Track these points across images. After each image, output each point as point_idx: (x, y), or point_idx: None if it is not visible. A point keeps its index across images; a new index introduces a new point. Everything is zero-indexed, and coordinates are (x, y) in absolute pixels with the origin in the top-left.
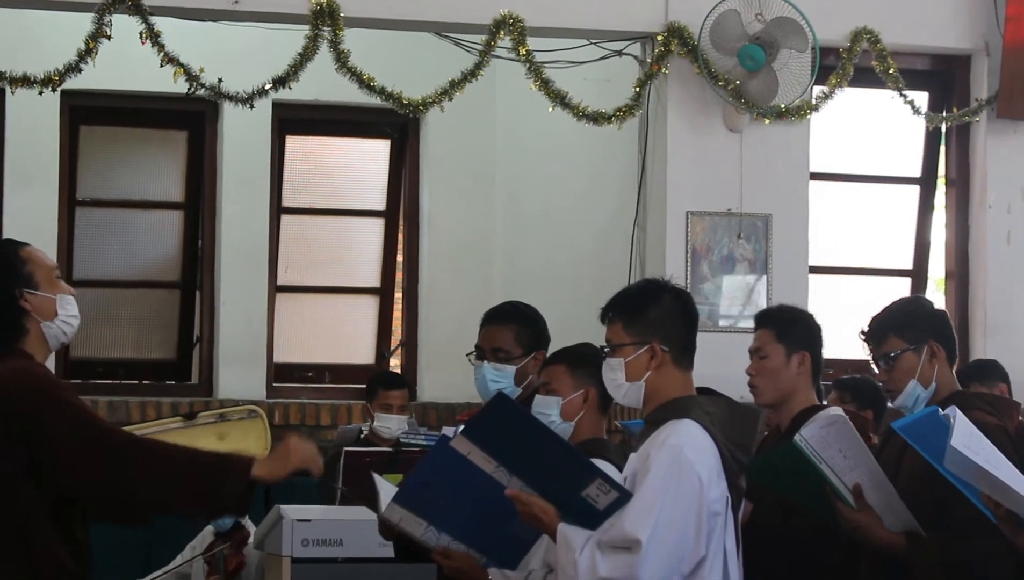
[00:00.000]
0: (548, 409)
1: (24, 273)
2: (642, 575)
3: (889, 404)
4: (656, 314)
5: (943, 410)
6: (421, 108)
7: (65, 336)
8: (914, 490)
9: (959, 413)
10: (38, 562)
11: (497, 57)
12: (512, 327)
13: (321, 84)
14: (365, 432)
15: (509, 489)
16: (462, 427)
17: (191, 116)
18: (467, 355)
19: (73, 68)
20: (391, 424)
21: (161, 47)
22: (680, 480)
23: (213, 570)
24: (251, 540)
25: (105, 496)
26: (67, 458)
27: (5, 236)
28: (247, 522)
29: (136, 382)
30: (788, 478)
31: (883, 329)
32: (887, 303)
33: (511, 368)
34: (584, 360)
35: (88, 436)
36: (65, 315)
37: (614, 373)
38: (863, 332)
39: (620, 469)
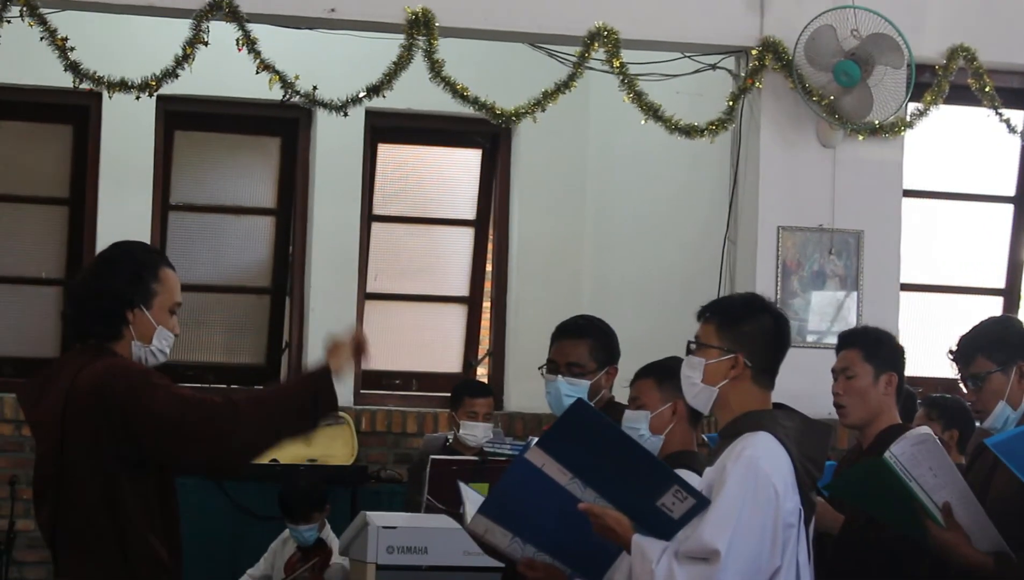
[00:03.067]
0: (637, 423)
1: (148, 289)
2: None
3: (978, 424)
4: (750, 328)
5: None
6: (514, 118)
7: (146, 362)
8: (1002, 510)
9: None
10: (136, 562)
11: (591, 69)
12: (587, 341)
13: (414, 93)
14: (451, 441)
15: (582, 503)
16: (537, 439)
17: (285, 123)
18: (539, 369)
19: (170, 73)
20: (476, 432)
21: (257, 54)
22: (757, 491)
23: None
24: (333, 559)
25: (216, 454)
26: (172, 432)
27: (99, 239)
28: (329, 538)
29: (225, 386)
30: (874, 494)
31: (971, 349)
32: (976, 322)
33: (585, 382)
34: (671, 374)
35: (188, 408)
36: (155, 347)
37: (692, 370)
38: (951, 352)
39: None
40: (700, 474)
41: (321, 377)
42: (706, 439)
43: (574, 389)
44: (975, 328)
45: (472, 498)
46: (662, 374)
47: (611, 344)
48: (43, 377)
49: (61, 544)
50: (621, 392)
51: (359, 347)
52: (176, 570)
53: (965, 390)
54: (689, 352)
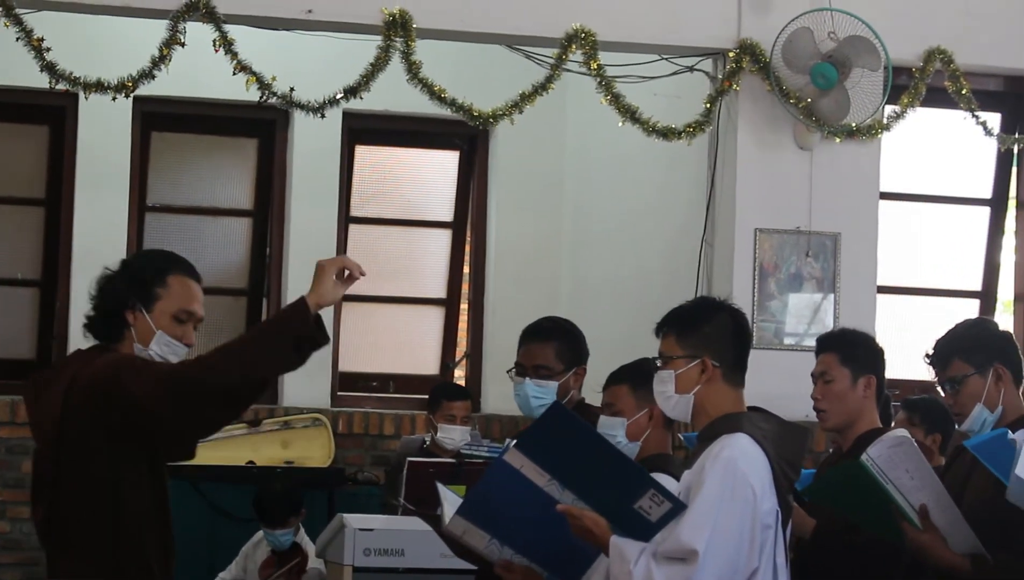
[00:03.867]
0: (614, 430)
1: (149, 293)
2: None
3: (957, 427)
4: (709, 330)
5: (1013, 434)
6: (491, 120)
7: (154, 352)
8: (979, 512)
9: None
10: (126, 563)
11: (568, 71)
12: (553, 344)
13: (392, 95)
14: (428, 443)
15: (561, 504)
16: (515, 440)
17: (262, 124)
18: (507, 372)
19: (146, 75)
20: (454, 435)
21: (234, 55)
22: (735, 491)
23: None
24: (310, 565)
25: (205, 409)
26: (150, 394)
27: (75, 240)
28: (304, 541)
29: None
30: (851, 497)
31: (947, 353)
32: (952, 325)
33: (553, 384)
34: (645, 378)
35: (162, 371)
36: (154, 351)
37: (664, 385)
38: (928, 355)
39: None
40: (676, 477)
41: (294, 313)
42: (683, 438)
43: (542, 391)
44: (951, 331)
45: (450, 499)
46: (636, 379)
47: (578, 345)
48: (45, 377)
49: (54, 543)
50: (592, 393)
51: (345, 272)
52: (167, 572)
53: (942, 393)
54: (656, 369)
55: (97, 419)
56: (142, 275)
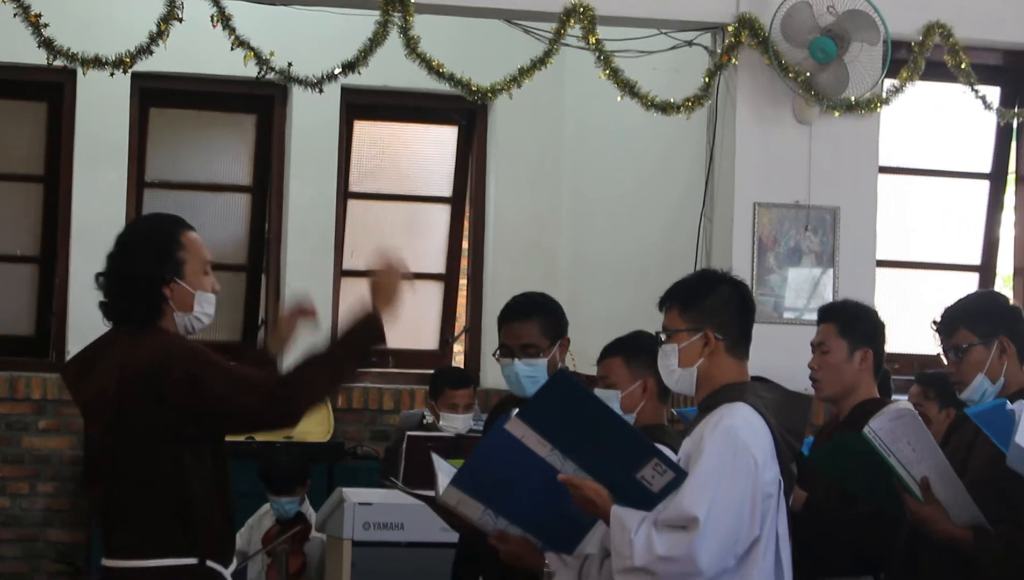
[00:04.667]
0: (608, 402)
1: (176, 260)
2: (700, 554)
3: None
4: (712, 302)
5: (1011, 403)
6: (489, 95)
7: (193, 330)
8: (980, 484)
9: None
10: (194, 526)
11: (566, 45)
12: (536, 321)
13: (390, 70)
14: (428, 418)
15: (562, 474)
16: (518, 410)
17: (260, 100)
18: (492, 354)
19: (144, 50)
20: (456, 424)
21: (232, 30)
22: (736, 460)
23: (274, 565)
24: (312, 533)
25: (286, 425)
26: (249, 407)
27: (74, 216)
28: (309, 511)
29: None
30: (852, 468)
31: (954, 321)
32: (960, 295)
33: (543, 361)
34: (639, 350)
35: (246, 392)
36: (200, 312)
37: (668, 359)
38: (935, 322)
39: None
40: (671, 447)
41: (369, 328)
42: (676, 414)
43: (532, 369)
44: (960, 300)
45: (445, 469)
46: (630, 351)
47: (559, 318)
48: (87, 357)
49: (115, 522)
50: (589, 367)
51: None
52: (231, 540)
53: (945, 361)
54: (660, 343)
55: (160, 405)
56: (163, 245)
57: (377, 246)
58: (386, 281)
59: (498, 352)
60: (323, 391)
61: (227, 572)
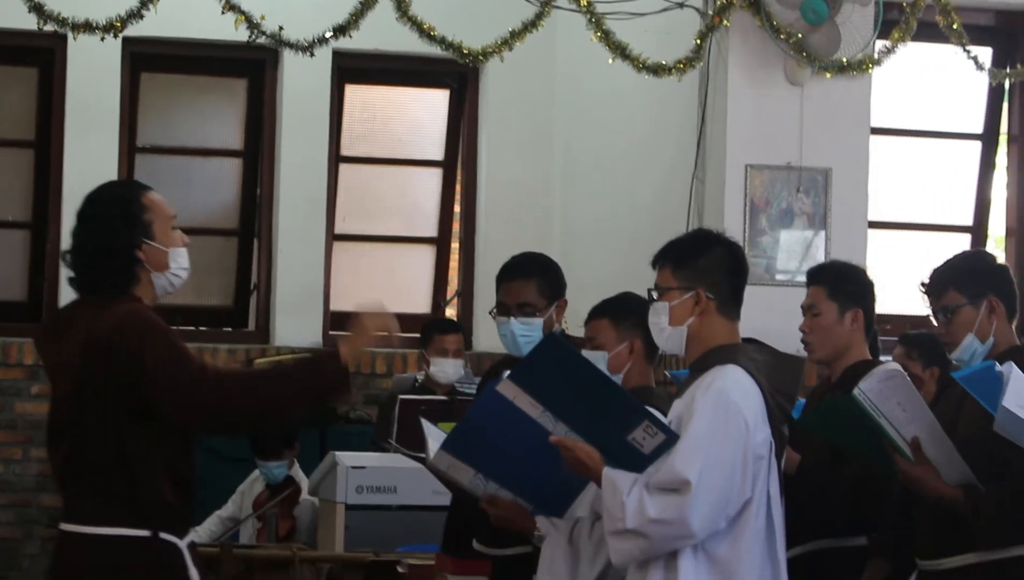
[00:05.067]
0: (595, 363)
1: (144, 221)
2: (692, 516)
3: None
4: (705, 262)
5: (1001, 365)
6: (481, 58)
7: (172, 287)
8: (970, 443)
9: (1015, 370)
10: (143, 499)
11: (558, 8)
12: (534, 281)
13: (381, 33)
14: (420, 380)
15: (554, 435)
16: (509, 372)
17: (251, 64)
18: (489, 313)
19: (135, 15)
20: (447, 369)
21: None
22: (727, 422)
23: (264, 528)
24: (303, 496)
25: (214, 427)
26: (171, 399)
27: (65, 181)
28: (298, 475)
29: (193, 328)
30: (844, 429)
31: (943, 282)
32: (948, 257)
33: (539, 321)
34: (627, 311)
35: (188, 379)
36: (176, 268)
37: (658, 317)
38: (923, 284)
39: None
40: (658, 409)
41: (335, 372)
42: (669, 375)
43: (528, 329)
44: (948, 261)
45: (434, 434)
46: (617, 312)
47: (558, 279)
48: (58, 322)
49: (72, 487)
50: (578, 329)
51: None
52: (187, 513)
53: (935, 322)
54: (652, 301)
55: (109, 376)
56: (129, 211)
57: (362, 300)
58: (371, 323)
59: (495, 311)
60: (270, 408)
61: (182, 543)
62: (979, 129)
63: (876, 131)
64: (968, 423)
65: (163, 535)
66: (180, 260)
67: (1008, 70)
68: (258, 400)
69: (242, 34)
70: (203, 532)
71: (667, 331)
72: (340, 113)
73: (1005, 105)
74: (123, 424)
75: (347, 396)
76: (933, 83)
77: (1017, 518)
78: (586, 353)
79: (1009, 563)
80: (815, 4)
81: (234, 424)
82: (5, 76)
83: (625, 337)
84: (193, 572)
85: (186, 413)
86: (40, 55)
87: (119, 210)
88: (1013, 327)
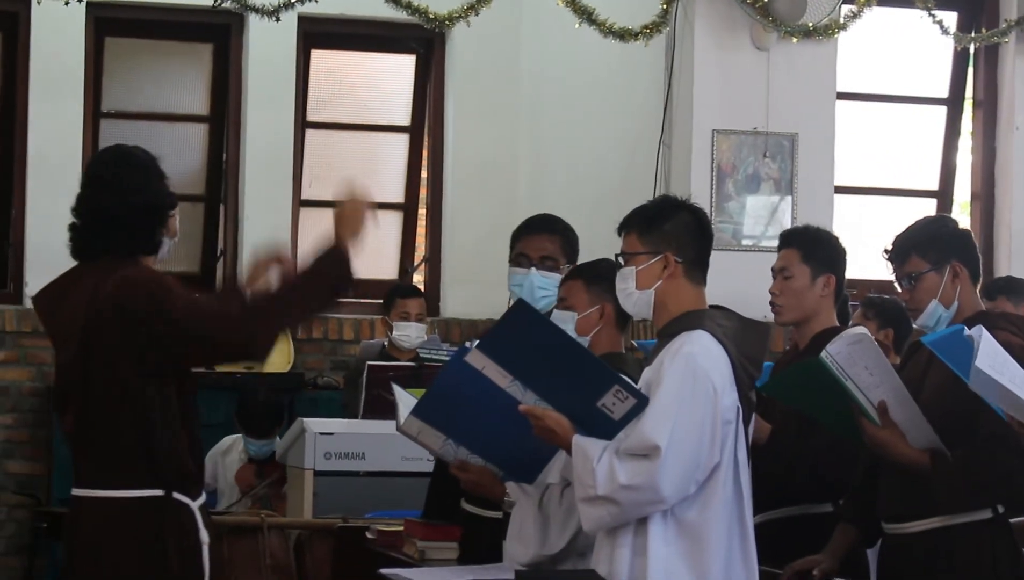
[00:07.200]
0: (564, 324)
1: (170, 189)
2: (662, 481)
3: (913, 323)
4: (671, 227)
5: (969, 330)
6: (447, 23)
7: (167, 255)
8: (936, 408)
9: (985, 332)
10: (155, 460)
11: None
12: (559, 237)
13: None
14: (387, 346)
15: (523, 404)
16: (478, 341)
17: (217, 29)
18: (509, 262)
19: None
20: (410, 332)
21: None
22: (695, 387)
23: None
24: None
25: (253, 350)
26: (213, 336)
27: (31, 147)
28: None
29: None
30: (810, 394)
31: (905, 248)
32: (910, 223)
33: (557, 277)
34: (601, 276)
35: (219, 313)
36: (177, 234)
37: (625, 282)
38: (886, 251)
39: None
40: (629, 376)
41: (335, 260)
42: (636, 345)
43: (547, 281)
44: (910, 227)
45: (405, 400)
46: (591, 276)
47: (576, 245)
48: (59, 287)
49: (84, 451)
50: None
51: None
52: (199, 474)
53: (899, 289)
54: (619, 266)
55: (125, 335)
56: (162, 174)
57: (342, 177)
58: (351, 211)
59: (512, 262)
60: (289, 323)
61: (195, 505)
62: (944, 94)
63: (842, 96)
64: (934, 388)
65: (176, 495)
66: (176, 227)
67: (973, 34)
68: (286, 310)
69: None
70: None
71: (635, 295)
72: (306, 78)
73: (970, 70)
74: (134, 386)
75: (353, 281)
76: (899, 48)
77: (980, 482)
78: (556, 313)
79: (973, 527)
80: None
81: (270, 341)
82: None
83: (596, 301)
84: (203, 533)
85: (230, 345)
86: (3, 20)
87: (156, 173)
88: (976, 291)
